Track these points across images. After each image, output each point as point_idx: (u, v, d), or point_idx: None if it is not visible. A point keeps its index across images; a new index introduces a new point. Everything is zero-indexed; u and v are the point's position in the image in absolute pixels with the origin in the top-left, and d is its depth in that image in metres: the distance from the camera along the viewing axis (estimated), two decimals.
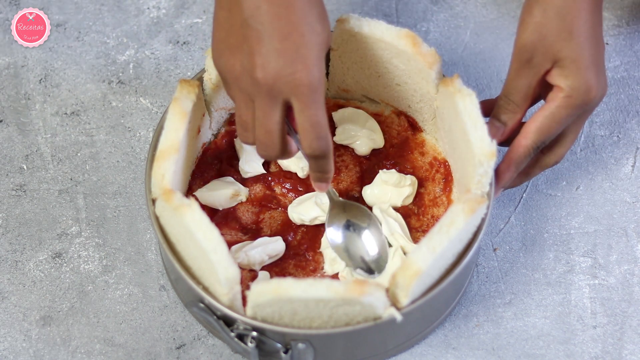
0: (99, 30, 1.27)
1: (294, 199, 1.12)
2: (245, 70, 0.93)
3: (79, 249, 1.13)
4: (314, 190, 1.10)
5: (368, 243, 1.07)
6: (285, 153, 0.97)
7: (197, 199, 1.08)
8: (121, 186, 1.17)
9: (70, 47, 1.26)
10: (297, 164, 1.12)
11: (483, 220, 1.02)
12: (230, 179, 1.12)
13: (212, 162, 1.13)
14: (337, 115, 1.15)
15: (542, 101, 1.07)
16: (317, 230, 1.10)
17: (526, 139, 1.03)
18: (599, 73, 1.02)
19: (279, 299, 0.94)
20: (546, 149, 1.07)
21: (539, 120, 1.02)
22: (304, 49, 0.92)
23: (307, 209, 1.10)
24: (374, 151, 1.14)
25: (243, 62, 0.93)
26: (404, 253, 1.07)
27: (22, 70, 1.24)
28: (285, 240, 1.10)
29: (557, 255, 1.13)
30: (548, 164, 1.07)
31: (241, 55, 0.93)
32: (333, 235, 1.07)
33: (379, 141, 1.14)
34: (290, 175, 1.13)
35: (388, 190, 1.11)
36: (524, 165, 1.05)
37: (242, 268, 1.06)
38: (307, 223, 1.10)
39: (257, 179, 1.13)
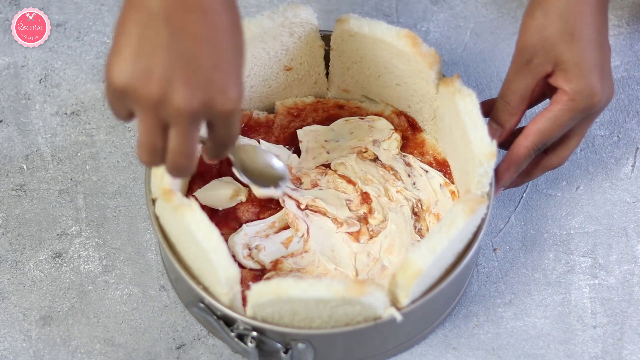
0: (99, 30, 1.27)
1: (293, 200, 1.12)
2: (168, 98, 0.85)
3: (79, 249, 1.13)
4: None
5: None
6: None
7: (197, 199, 1.08)
8: (121, 186, 1.17)
9: (70, 47, 1.26)
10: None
11: (483, 220, 1.02)
12: (230, 179, 1.12)
13: None
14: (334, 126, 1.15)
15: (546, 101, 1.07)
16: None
17: (527, 140, 1.03)
18: (604, 77, 1.01)
19: (279, 299, 0.94)
20: (549, 150, 1.06)
21: (541, 121, 1.02)
22: (231, 70, 0.87)
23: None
24: None
25: (165, 90, 0.85)
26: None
27: (22, 70, 1.24)
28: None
29: (557, 255, 1.13)
30: (551, 165, 1.07)
31: (163, 82, 0.85)
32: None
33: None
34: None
35: None
36: (524, 165, 1.05)
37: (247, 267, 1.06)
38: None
39: None
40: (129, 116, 0.89)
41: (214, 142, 0.92)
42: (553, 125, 1.02)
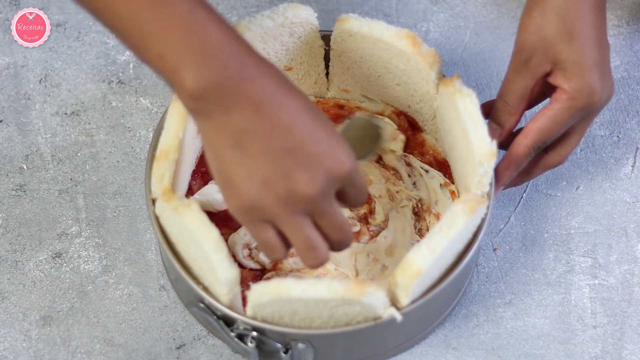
0: (99, 30, 1.27)
1: None
2: (294, 193, 0.87)
3: (79, 249, 1.13)
4: None
5: None
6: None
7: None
8: (121, 186, 1.17)
9: (70, 47, 1.26)
10: None
11: (483, 220, 1.02)
12: None
13: None
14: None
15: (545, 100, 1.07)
16: None
17: (527, 138, 1.03)
18: (604, 75, 1.01)
19: (279, 299, 0.94)
20: (549, 149, 1.06)
21: (541, 120, 1.02)
22: (330, 135, 0.89)
23: None
24: None
25: (287, 187, 0.87)
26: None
27: (22, 70, 1.24)
28: None
29: (557, 255, 1.13)
30: (551, 164, 1.07)
31: (283, 181, 0.87)
32: None
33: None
34: None
35: None
36: (524, 164, 1.05)
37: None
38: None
39: None
40: (271, 229, 0.90)
41: (351, 204, 0.92)
42: (552, 123, 1.02)
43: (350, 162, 0.89)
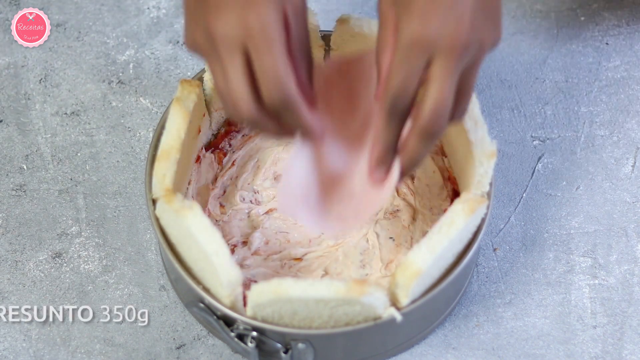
0: (99, 30, 1.27)
1: None
2: (204, 32, 0.88)
3: (79, 249, 1.13)
4: None
5: None
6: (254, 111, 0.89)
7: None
8: (121, 186, 1.17)
9: (70, 47, 1.26)
10: None
11: (483, 220, 1.02)
12: None
13: None
14: None
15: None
16: None
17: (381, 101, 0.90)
18: (456, 15, 0.87)
19: (279, 299, 0.94)
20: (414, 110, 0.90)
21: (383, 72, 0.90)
22: None
23: None
24: None
25: (201, 26, 0.88)
26: None
27: (22, 70, 1.24)
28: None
29: (557, 255, 1.13)
30: (425, 129, 0.89)
31: (200, 21, 0.88)
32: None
33: None
34: None
35: None
36: (391, 139, 0.91)
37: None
38: None
39: None
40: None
41: (260, 88, 0.89)
42: (391, 71, 0.88)
43: (261, 26, 0.85)
